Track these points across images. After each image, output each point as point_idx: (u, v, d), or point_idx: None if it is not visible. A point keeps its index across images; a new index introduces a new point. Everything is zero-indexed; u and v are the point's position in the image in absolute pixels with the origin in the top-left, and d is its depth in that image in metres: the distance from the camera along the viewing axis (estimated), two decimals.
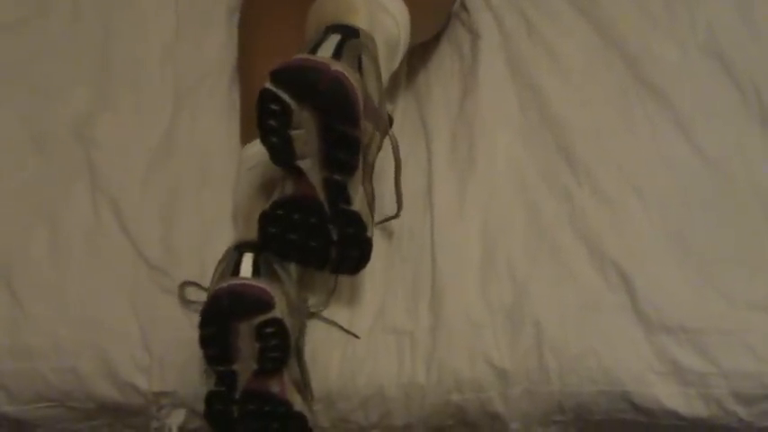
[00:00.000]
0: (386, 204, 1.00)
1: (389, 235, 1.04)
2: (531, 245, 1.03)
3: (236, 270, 0.89)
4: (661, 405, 0.97)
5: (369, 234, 0.90)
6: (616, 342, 0.98)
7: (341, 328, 1.00)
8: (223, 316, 0.87)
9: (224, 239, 1.00)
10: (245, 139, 1.03)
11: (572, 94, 1.11)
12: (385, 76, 0.91)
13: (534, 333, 0.99)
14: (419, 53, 1.14)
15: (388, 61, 0.93)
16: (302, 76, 0.80)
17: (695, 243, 1.01)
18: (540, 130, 1.09)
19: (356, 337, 1.00)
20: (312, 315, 0.99)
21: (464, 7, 1.17)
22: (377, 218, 1.00)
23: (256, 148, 0.93)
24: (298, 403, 0.94)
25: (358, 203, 0.88)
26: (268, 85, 0.80)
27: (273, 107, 0.81)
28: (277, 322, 0.87)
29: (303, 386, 0.96)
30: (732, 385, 0.96)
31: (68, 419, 1.03)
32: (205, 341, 0.89)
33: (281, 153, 0.85)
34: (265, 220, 0.90)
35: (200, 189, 1.06)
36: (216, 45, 1.16)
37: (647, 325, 0.98)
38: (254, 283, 0.88)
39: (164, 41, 1.16)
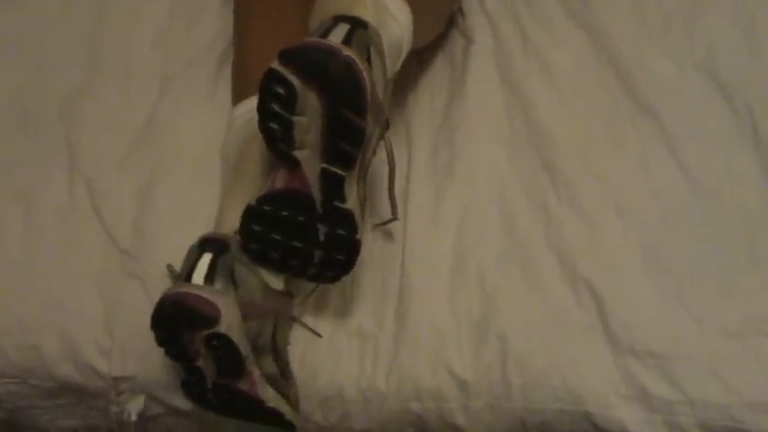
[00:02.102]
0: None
1: (364, 238, 1.03)
2: (503, 257, 1.01)
3: (189, 273, 0.87)
4: (624, 429, 0.94)
5: (358, 236, 0.88)
6: (582, 361, 0.96)
7: (304, 326, 0.99)
8: (169, 324, 0.86)
9: (197, 228, 0.98)
10: (236, 101, 1.02)
11: (561, 106, 1.09)
12: (388, 79, 0.90)
13: (499, 346, 0.97)
14: (411, 57, 1.12)
15: (391, 65, 0.91)
16: (313, 57, 0.78)
17: (672, 266, 0.99)
18: (524, 141, 1.07)
19: (319, 336, 0.99)
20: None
21: (460, 11, 1.16)
22: (372, 223, 1.00)
23: (248, 106, 0.91)
24: (271, 399, 0.93)
25: (352, 203, 0.86)
26: (275, 64, 0.78)
27: (278, 90, 0.79)
28: (221, 337, 0.84)
29: (281, 381, 0.95)
30: (699, 415, 0.93)
31: (31, 397, 1.04)
32: (160, 342, 0.88)
33: (280, 140, 0.82)
34: (250, 215, 0.87)
35: (177, 176, 1.06)
36: (207, 33, 1.16)
37: (615, 346, 0.96)
38: (201, 293, 0.84)
39: (156, 26, 1.17)
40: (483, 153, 1.07)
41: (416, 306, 0.99)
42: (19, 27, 1.17)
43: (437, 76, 1.14)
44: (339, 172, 0.83)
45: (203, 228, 0.98)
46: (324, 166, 0.82)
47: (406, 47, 0.94)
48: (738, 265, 0.99)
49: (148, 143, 1.09)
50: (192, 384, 0.92)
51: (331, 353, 0.99)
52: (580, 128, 1.07)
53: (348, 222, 0.86)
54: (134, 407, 1.01)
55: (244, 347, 0.87)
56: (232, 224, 0.90)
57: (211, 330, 0.83)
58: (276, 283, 0.93)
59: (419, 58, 1.14)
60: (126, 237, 1.03)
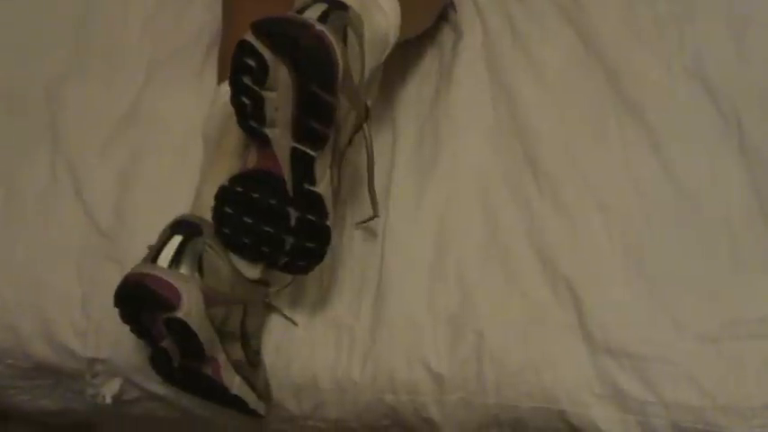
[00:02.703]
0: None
1: (341, 229, 1.03)
2: (483, 252, 1.00)
3: (157, 254, 0.86)
4: (598, 429, 0.94)
5: (328, 223, 0.87)
6: (558, 359, 0.95)
7: (280, 313, 0.99)
8: (130, 303, 0.86)
9: (178, 212, 0.97)
10: (221, 80, 1.01)
11: (547, 103, 1.08)
12: (368, 68, 0.89)
13: (475, 342, 0.96)
14: (399, 49, 1.12)
15: (374, 55, 0.91)
16: (284, 29, 0.78)
17: (652, 267, 0.98)
18: (509, 137, 1.07)
19: (294, 324, 0.99)
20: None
21: (452, 5, 1.16)
22: (356, 219, 1.00)
23: None
24: (235, 386, 0.93)
25: (323, 187, 0.85)
26: (247, 36, 0.78)
27: (249, 62, 0.78)
28: (179, 322, 0.83)
29: (249, 369, 0.94)
30: (672, 417, 0.93)
31: (8, 376, 1.04)
32: (123, 320, 0.88)
33: (251, 116, 0.82)
34: (223, 196, 0.87)
35: (159, 161, 1.06)
36: (195, 21, 1.16)
37: (591, 345, 0.95)
38: (163, 276, 0.83)
39: (144, 13, 1.17)
40: (467, 147, 1.06)
41: (394, 298, 0.99)
42: (7, 10, 1.18)
43: (425, 67, 1.13)
44: (309, 152, 0.82)
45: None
46: (294, 144, 0.82)
47: (392, 40, 0.93)
48: (719, 268, 0.98)
49: (132, 128, 1.09)
50: (158, 363, 0.92)
51: (306, 342, 0.98)
52: (565, 125, 1.07)
53: (318, 207, 0.85)
54: (109, 390, 1.01)
55: (205, 334, 0.86)
56: (209, 199, 0.89)
57: (170, 315, 0.83)
58: (252, 272, 0.93)
59: (407, 49, 1.13)
60: (107, 220, 1.03)
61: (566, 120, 1.07)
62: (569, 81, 1.10)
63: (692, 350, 0.94)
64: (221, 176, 0.88)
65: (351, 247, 1.03)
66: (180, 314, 0.83)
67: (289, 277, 0.97)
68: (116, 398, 1.01)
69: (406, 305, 0.99)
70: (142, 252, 0.96)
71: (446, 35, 1.15)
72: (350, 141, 0.90)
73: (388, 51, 0.94)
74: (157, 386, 1.00)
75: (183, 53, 1.14)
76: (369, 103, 0.89)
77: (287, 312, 0.99)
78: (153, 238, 0.98)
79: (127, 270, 0.98)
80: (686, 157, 1.04)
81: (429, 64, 1.14)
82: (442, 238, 1.02)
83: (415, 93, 1.11)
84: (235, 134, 0.88)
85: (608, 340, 0.95)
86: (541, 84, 1.09)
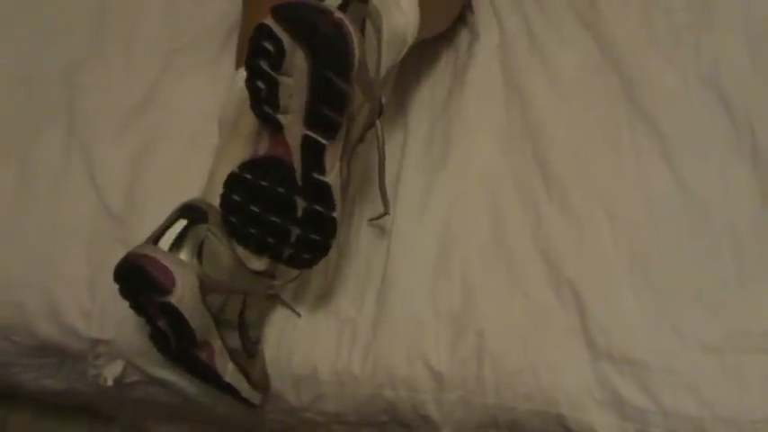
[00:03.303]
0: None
1: (348, 225, 1.03)
2: (488, 253, 1.00)
3: (159, 236, 0.87)
4: None
5: (335, 215, 0.86)
6: (559, 363, 0.95)
7: (284, 303, 0.99)
8: (126, 282, 0.86)
9: (189, 198, 0.99)
10: (239, 65, 1.00)
11: (560, 107, 1.08)
12: (384, 65, 0.89)
13: (476, 342, 0.96)
14: (414, 47, 1.13)
15: (391, 53, 0.91)
16: (304, 15, 0.78)
17: (658, 275, 0.98)
18: (520, 140, 1.07)
19: (297, 314, 0.99)
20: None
21: (469, 7, 1.16)
22: (365, 216, 1.00)
23: None
24: (228, 374, 0.93)
25: (332, 177, 0.85)
26: (267, 20, 0.78)
27: (267, 46, 0.79)
28: (171, 307, 0.84)
29: (244, 358, 0.95)
30: (671, 426, 0.92)
31: (14, 354, 1.05)
32: (122, 295, 0.88)
33: (265, 101, 0.82)
34: (232, 183, 0.87)
35: (173, 147, 1.07)
36: (214, 11, 1.16)
37: (593, 350, 0.95)
38: (161, 259, 0.84)
39: (163, 1, 1.18)
40: (478, 147, 1.06)
41: (397, 295, 0.99)
42: None
43: (440, 67, 1.13)
44: (320, 140, 0.82)
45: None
46: (305, 132, 0.82)
47: (410, 40, 0.93)
48: (725, 280, 0.97)
49: (148, 114, 1.10)
50: (157, 342, 0.93)
51: (308, 333, 0.99)
52: (577, 130, 1.07)
53: (325, 197, 0.85)
54: (111, 372, 1.01)
55: (198, 320, 0.86)
56: (220, 182, 0.89)
57: (163, 299, 0.83)
58: (256, 263, 0.92)
59: (422, 49, 1.14)
60: (118, 203, 1.04)
61: (578, 125, 1.07)
62: (584, 86, 1.10)
63: (695, 360, 0.94)
64: (235, 159, 0.88)
65: (357, 242, 1.03)
66: (172, 299, 0.83)
67: (294, 271, 0.97)
68: (117, 380, 1.02)
69: (409, 302, 0.99)
70: None
71: (462, 36, 1.15)
72: (362, 137, 0.90)
73: (405, 50, 0.94)
74: (159, 370, 1.01)
75: (202, 41, 1.15)
76: (384, 100, 0.89)
77: (290, 303, 1.00)
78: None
79: None
80: (697, 167, 1.03)
81: (443, 64, 1.14)
82: (448, 237, 1.02)
83: (428, 92, 1.12)
84: (250, 118, 0.88)
85: (610, 346, 0.95)
86: (555, 88, 1.09)
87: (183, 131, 1.08)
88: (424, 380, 0.97)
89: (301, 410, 1.02)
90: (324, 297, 1.01)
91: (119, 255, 0.99)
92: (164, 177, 1.05)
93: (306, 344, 0.99)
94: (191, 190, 0.99)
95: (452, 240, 1.01)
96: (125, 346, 1.00)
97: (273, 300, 0.99)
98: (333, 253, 1.01)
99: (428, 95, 1.11)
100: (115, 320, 0.99)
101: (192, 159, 1.05)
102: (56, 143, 1.08)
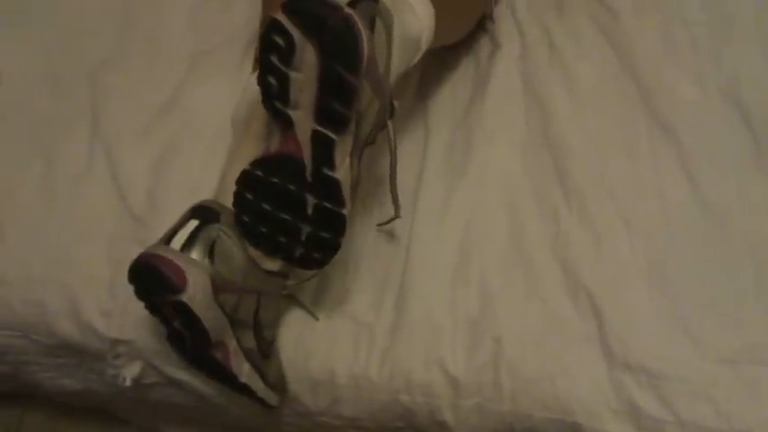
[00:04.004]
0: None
1: (367, 227, 1.04)
2: (507, 260, 1.01)
3: (171, 236, 0.88)
4: None
5: (344, 212, 0.87)
6: (576, 371, 0.95)
7: (303, 306, 1.00)
8: (139, 282, 0.87)
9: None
10: (255, 68, 1.01)
11: (580, 117, 1.08)
12: (398, 68, 0.90)
13: (494, 348, 0.97)
14: (435, 56, 1.14)
15: (404, 56, 0.91)
16: (314, 9, 0.79)
17: (675, 285, 0.98)
18: (540, 148, 1.07)
19: (315, 318, 1.00)
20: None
21: (491, 18, 1.17)
22: (379, 220, 1.01)
23: None
24: (244, 374, 0.94)
25: (342, 174, 0.85)
26: (277, 15, 0.79)
27: (278, 40, 0.79)
28: (183, 306, 0.84)
29: (260, 359, 0.95)
30: None
31: (33, 352, 1.06)
32: (137, 296, 0.89)
33: (276, 97, 0.83)
34: (244, 181, 0.88)
35: (195, 150, 1.08)
36: (239, 16, 1.17)
37: (610, 359, 0.95)
38: (173, 259, 0.85)
39: (189, 5, 1.19)
40: (498, 156, 1.07)
41: (416, 300, 0.99)
42: None
43: (460, 75, 1.14)
44: (330, 135, 0.82)
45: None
46: (315, 127, 0.82)
47: (425, 43, 0.94)
48: (742, 291, 0.98)
49: (170, 117, 1.11)
50: (174, 342, 0.94)
51: (326, 337, 0.99)
52: (597, 140, 1.07)
53: (335, 194, 0.85)
54: (130, 372, 1.02)
55: (211, 319, 0.87)
56: (232, 181, 0.90)
57: (175, 297, 0.84)
58: (269, 263, 0.93)
59: (444, 56, 1.15)
60: (140, 204, 1.05)
61: (597, 135, 1.08)
62: (603, 97, 1.10)
63: (712, 371, 0.94)
64: (246, 158, 0.89)
65: (376, 246, 1.04)
66: (184, 298, 0.84)
67: (308, 273, 0.98)
68: (136, 381, 1.03)
69: (428, 307, 0.99)
70: None
71: (483, 45, 1.16)
72: (374, 138, 0.90)
73: (419, 56, 0.94)
74: (177, 371, 1.02)
75: (226, 46, 1.16)
76: (396, 104, 0.90)
77: (309, 306, 1.00)
78: None
79: None
80: (716, 177, 1.04)
81: (465, 72, 1.15)
82: (467, 243, 1.02)
83: (449, 99, 1.12)
84: (262, 118, 0.89)
85: (627, 355, 0.95)
86: (575, 98, 1.10)
87: (205, 134, 1.09)
88: (441, 385, 0.97)
89: (318, 414, 1.02)
90: (342, 301, 1.01)
91: None
92: (185, 179, 1.06)
93: (323, 348, 0.99)
94: (211, 192, 1.00)
95: (471, 247, 1.02)
96: (144, 346, 1.01)
97: (289, 300, 1.00)
98: (351, 257, 1.02)
99: (449, 103, 1.12)
100: (135, 321, 1.00)
101: (214, 162, 1.05)
102: (80, 144, 1.09)
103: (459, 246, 1.02)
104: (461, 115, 1.11)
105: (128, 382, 1.02)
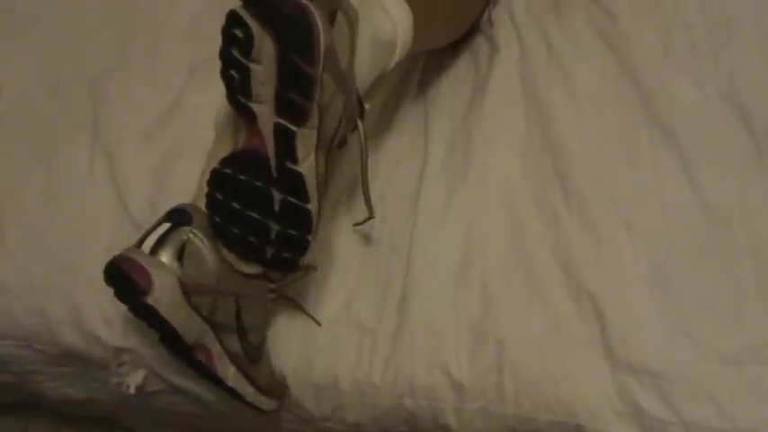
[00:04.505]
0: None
1: (368, 232, 1.04)
2: (509, 263, 1.01)
3: (143, 239, 0.88)
4: None
5: (310, 207, 0.86)
6: (578, 374, 0.96)
7: (304, 311, 1.00)
8: (110, 285, 0.88)
9: None
10: None
11: (579, 120, 1.08)
12: (370, 69, 0.89)
13: (496, 351, 0.97)
14: (435, 59, 1.14)
15: (376, 57, 0.91)
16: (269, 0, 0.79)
17: (677, 286, 0.98)
18: (540, 152, 1.07)
19: (318, 324, 1.00)
20: (278, 296, 0.98)
21: (489, 20, 1.17)
22: (379, 225, 1.01)
23: None
24: (230, 378, 0.94)
25: (305, 167, 0.85)
26: (236, 7, 0.80)
27: (237, 33, 0.80)
28: (149, 308, 0.85)
29: (246, 363, 0.95)
30: None
31: (36, 362, 1.06)
32: (116, 297, 0.89)
33: (238, 90, 0.83)
34: (214, 180, 0.88)
35: (195, 157, 1.05)
36: None
37: (613, 361, 0.95)
38: (139, 261, 0.85)
39: (189, 13, 1.19)
40: (498, 159, 1.07)
41: (418, 304, 0.99)
42: (54, 4, 1.22)
43: (460, 79, 1.14)
44: (290, 127, 0.82)
45: None
46: (276, 120, 0.82)
47: (401, 47, 0.93)
48: (744, 292, 0.98)
49: (171, 123, 1.11)
50: (164, 343, 0.94)
51: (328, 343, 0.99)
52: (596, 143, 1.07)
53: (300, 188, 0.85)
54: (133, 380, 1.02)
55: (182, 321, 0.87)
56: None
57: (141, 300, 0.85)
58: (247, 267, 0.92)
59: (443, 60, 1.15)
60: (140, 212, 1.05)
61: (597, 138, 1.08)
62: (603, 100, 1.10)
63: (715, 371, 0.94)
64: (219, 158, 0.89)
65: (377, 251, 1.04)
66: (150, 300, 0.84)
67: (290, 275, 0.97)
68: (140, 388, 1.03)
69: (430, 311, 0.99)
70: None
71: (482, 48, 1.16)
72: (345, 139, 0.90)
73: (395, 58, 0.94)
74: (180, 379, 1.02)
75: None
76: (367, 105, 0.89)
77: (311, 312, 1.00)
78: None
79: None
80: (716, 181, 1.04)
81: (464, 74, 1.15)
82: (469, 246, 1.02)
83: (449, 102, 1.12)
84: (236, 118, 0.90)
85: (629, 357, 0.95)
86: (574, 101, 1.10)
87: (206, 140, 1.06)
88: (445, 389, 0.97)
89: (321, 420, 1.02)
90: (344, 306, 1.01)
91: None
92: (186, 186, 1.04)
93: (326, 353, 0.99)
94: None
95: (473, 250, 1.02)
96: (147, 354, 1.01)
97: (291, 309, 1.00)
98: (352, 262, 1.02)
99: (449, 105, 1.12)
100: (137, 329, 1.00)
101: None
102: (81, 152, 1.09)
103: (461, 249, 1.02)
104: (461, 118, 1.11)
105: (131, 390, 1.02)
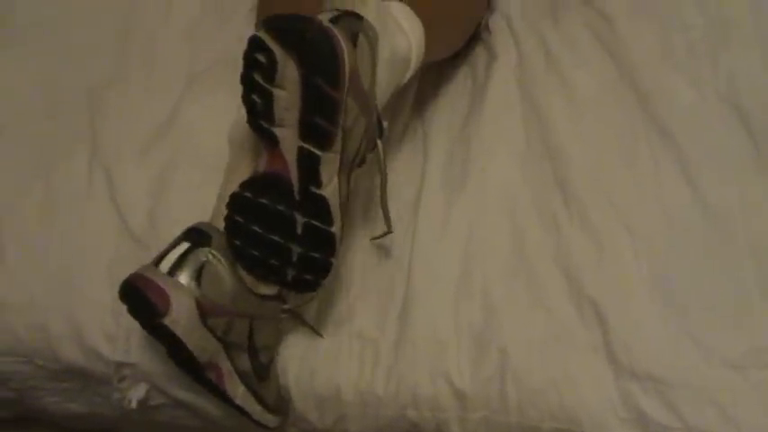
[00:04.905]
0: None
1: (368, 243, 1.04)
2: (509, 271, 1.01)
3: (161, 258, 0.87)
4: None
5: (334, 230, 0.86)
6: (582, 380, 0.95)
7: (306, 324, 0.99)
8: (126, 303, 0.88)
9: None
10: None
11: (579, 126, 1.08)
12: (387, 86, 0.90)
13: (499, 360, 0.97)
14: (433, 68, 1.14)
15: (393, 74, 0.91)
16: (291, 23, 0.79)
17: (679, 291, 0.98)
18: (539, 158, 1.07)
19: (320, 335, 0.99)
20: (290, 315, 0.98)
21: (487, 28, 1.17)
22: (370, 235, 1.00)
23: None
24: (239, 396, 0.93)
25: (329, 191, 0.85)
26: (258, 32, 0.79)
27: (260, 58, 0.80)
28: (165, 329, 0.85)
29: (255, 381, 0.95)
30: None
31: (38, 377, 1.06)
32: (130, 315, 0.89)
33: (261, 115, 0.82)
34: (234, 204, 0.88)
35: (194, 169, 1.08)
36: (233, 35, 1.16)
37: (616, 368, 0.95)
38: (157, 281, 0.85)
39: (185, 24, 1.19)
40: (497, 166, 1.07)
41: (419, 314, 0.99)
42: (51, 17, 1.21)
43: (458, 87, 1.14)
44: (315, 151, 0.82)
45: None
46: (300, 144, 0.82)
47: (415, 61, 0.94)
48: (746, 295, 0.97)
49: (168, 136, 1.11)
50: (173, 358, 0.94)
51: (331, 354, 0.99)
52: (596, 148, 1.07)
53: (324, 212, 0.85)
54: (135, 394, 1.02)
55: (197, 342, 0.87)
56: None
57: (158, 320, 0.84)
58: (266, 288, 0.92)
59: (440, 69, 1.15)
60: (140, 226, 1.05)
61: (596, 142, 1.07)
62: (601, 105, 1.10)
63: (718, 376, 0.94)
64: (241, 177, 0.89)
65: (378, 262, 1.03)
66: (167, 321, 0.84)
67: (306, 296, 0.97)
68: (142, 403, 1.02)
69: (432, 321, 0.99)
70: None
71: (480, 56, 1.16)
72: (364, 159, 0.89)
73: (410, 73, 0.94)
74: (183, 393, 1.02)
75: (222, 64, 1.15)
76: (386, 124, 0.89)
77: (312, 324, 1.00)
78: None
79: None
80: (716, 183, 1.03)
81: (462, 83, 1.15)
82: (469, 255, 1.02)
83: (447, 111, 1.12)
84: (255, 136, 0.89)
85: (632, 363, 0.95)
86: (573, 107, 1.10)
87: (204, 153, 1.09)
88: (448, 399, 0.97)
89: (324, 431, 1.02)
90: (346, 317, 1.01)
91: None
92: (185, 199, 1.06)
93: (328, 364, 0.99)
94: (211, 211, 1.00)
95: (473, 259, 1.02)
96: (149, 369, 1.00)
97: (293, 321, 0.99)
98: (353, 273, 1.02)
99: (447, 115, 1.12)
100: (139, 343, 1.00)
101: (214, 181, 1.03)
102: (79, 167, 1.09)
103: (461, 258, 1.02)
104: (459, 126, 1.11)
105: (134, 405, 1.02)
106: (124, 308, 0.99)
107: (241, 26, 1.18)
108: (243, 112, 0.92)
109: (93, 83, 1.15)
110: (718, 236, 1.01)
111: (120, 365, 1.01)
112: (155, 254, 1.01)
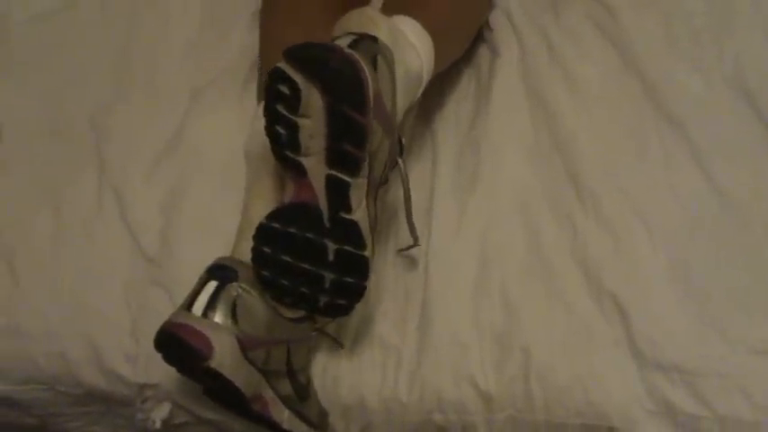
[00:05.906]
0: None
1: (384, 250, 1.03)
2: (527, 269, 1.00)
3: (192, 301, 0.86)
4: None
5: (366, 254, 0.86)
6: (607, 375, 0.95)
7: (327, 334, 0.99)
8: (165, 353, 0.87)
9: (222, 238, 0.98)
10: (262, 97, 1.01)
11: (586, 118, 1.08)
12: (403, 104, 0.90)
13: (522, 359, 0.96)
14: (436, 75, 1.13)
15: (407, 92, 0.91)
16: (313, 53, 0.79)
17: (699, 280, 0.97)
18: (549, 153, 1.07)
19: (341, 345, 0.99)
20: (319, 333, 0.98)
21: (487, 25, 1.16)
22: (395, 243, 1.00)
23: None
24: (285, 421, 0.93)
25: (359, 215, 0.85)
26: (279, 63, 0.79)
27: (282, 89, 0.79)
28: (212, 372, 0.84)
29: (298, 403, 0.95)
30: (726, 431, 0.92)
31: (59, 404, 1.05)
32: (166, 362, 0.88)
33: (287, 146, 0.82)
34: (260, 235, 0.86)
35: (203, 185, 1.07)
36: (235, 48, 1.17)
37: (640, 360, 0.95)
38: (195, 326, 0.84)
39: (185, 41, 1.19)
40: (507, 165, 1.06)
41: (439, 318, 0.99)
42: (53, 39, 1.21)
43: (463, 88, 1.14)
44: (344, 178, 0.82)
45: (228, 238, 0.97)
46: (329, 171, 0.82)
47: (425, 77, 0.94)
48: (766, 279, 0.97)
49: (176, 154, 1.10)
50: (211, 396, 0.94)
51: (353, 363, 0.99)
52: (605, 140, 1.06)
53: (355, 237, 0.84)
54: (158, 414, 1.01)
55: (243, 378, 0.87)
56: (256, 217, 0.88)
57: (204, 365, 0.83)
58: (293, 312, 0.92)
59: (445, 72, 1.13)
60: (152, 245, 1.05)
61: (606, 135, 1.07)
62: (608, 96, 1.09)
63: (744, 363, 0.93)
64: (267, 196, 0.89)
65: (395, 268, 1.03)
66: (213, 364, 0.83)
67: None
68: (166, 422, 1.02)
69: (452, 324, 0.98)
70: (188, 278, 0.96)
71: (482, 54, 1.15)
72: (386, 178, 0.89)
73: (423, 86, 0.94)
74: (206, 411, 1.01)
75: (224, 78, 1.15)
76: (404, 141, 0.89)
77: (333, 334, 0.99)
78: (199, 264, 0.99)
79: (174, 295, 1.01)
80: (729, 170, 1.03)
81: (466, 84, 1.14)
82: (485, 255, 1.01)
83: (453, 113, 1.12)
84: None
85: (656, 355, 0.94)
86: (580, 100, 1.09)
87: (212, 168, 1.08)
88: (473, 401, 0.96)
89: None
90: (366, 326, 1.00)
91: (157, 297, 1.02)
92: (196, 216, 1.06)
93: (351, 373, 0.98)
94: (224, 227, 1.00)
95: (490, 259, 1.01)
96: (172, 388, 1.00)
97: (317, 332, 0.99)
98: (372, 281, 1.01)
99: (454, 116, 1.11)
100: (160, 364, 0.97)
101: (224, 196, 1.05)
102: (88, 188, 1.09)
103: (478, 259, 1.01)
104: (467, 127, 1.10)
105: (157, 425, 1.02)
106: (143, 329, 1.00)
107: (242, 38, 1.18)
108: (257, 123, 0.92)
109: (95, 106, 1.15)
110: (733, 222, 1.00)
111: (141, 387, 1.00)
112: (169, 272, 1.03)
